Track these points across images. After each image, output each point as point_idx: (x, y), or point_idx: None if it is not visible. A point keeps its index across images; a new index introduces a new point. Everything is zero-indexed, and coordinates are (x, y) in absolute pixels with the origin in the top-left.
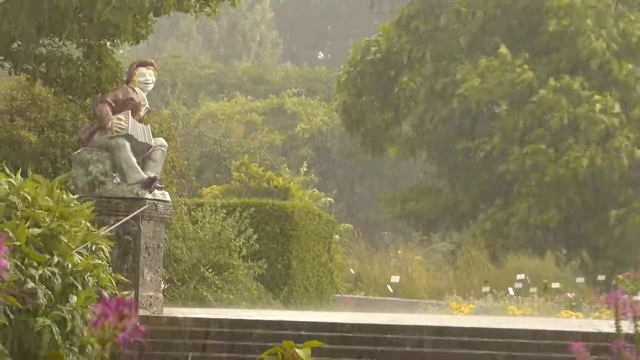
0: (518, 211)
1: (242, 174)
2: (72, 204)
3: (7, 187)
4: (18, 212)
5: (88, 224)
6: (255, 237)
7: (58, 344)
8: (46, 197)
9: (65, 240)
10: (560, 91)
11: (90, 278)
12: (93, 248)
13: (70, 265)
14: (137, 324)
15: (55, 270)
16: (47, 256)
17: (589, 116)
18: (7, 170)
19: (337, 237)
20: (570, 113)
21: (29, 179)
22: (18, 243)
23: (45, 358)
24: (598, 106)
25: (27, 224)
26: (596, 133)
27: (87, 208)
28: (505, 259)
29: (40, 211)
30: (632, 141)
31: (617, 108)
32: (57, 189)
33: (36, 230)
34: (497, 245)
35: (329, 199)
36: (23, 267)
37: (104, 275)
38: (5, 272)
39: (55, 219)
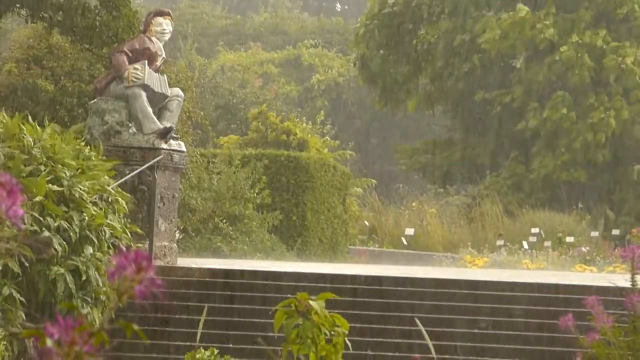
0: (540, 167)
1: (260, 124)
2: (92, 158)
3: (30, 139)
4: (41, 166)
5: (106, 177)
6: (267, 190)
7: (72, 293)
8: (70, 151)
9: (83, 194)
10: (582, 47)
11: (106, 229)
12: (109, 199)
13: (86, 218)
14: (154, 276)
15: (72, 222)
16: (64, 208)
17: (621, 68)
18: (30, 120)
19: (359, 190)
20: (592, 69)
21: (52, 130)
22: (38, 198)
23: (61, 307)
24: (631, 58)
25: (48, 178)
26: (627, 85)
27: (108, 162)
28: (520, 213)
29: (60, 166)
30: None
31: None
32: (81, 143)
33: (55, 187)
34: (515, 200)
35: (349, 151)
36: (41, 219)
37: (119, 227)
38: (21, 222)
39: (75, 176)
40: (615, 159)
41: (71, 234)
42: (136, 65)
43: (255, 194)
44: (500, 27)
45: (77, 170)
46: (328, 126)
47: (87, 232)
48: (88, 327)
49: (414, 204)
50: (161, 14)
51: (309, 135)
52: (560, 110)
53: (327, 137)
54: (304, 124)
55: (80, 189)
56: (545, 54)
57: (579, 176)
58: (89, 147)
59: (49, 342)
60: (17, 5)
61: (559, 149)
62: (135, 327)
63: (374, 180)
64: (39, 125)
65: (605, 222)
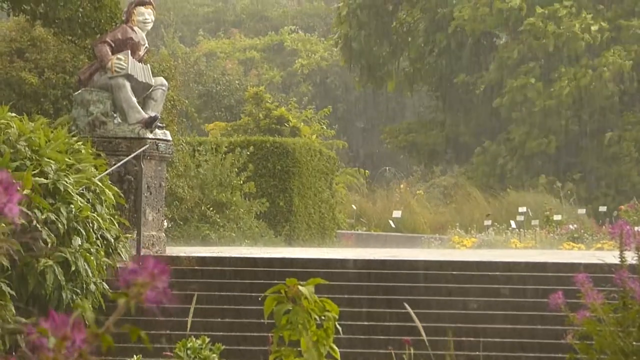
0: (514, 138)
1: (253, 107)
2: (82, 151)
3: (16, 131)
4: (26, 160)
5: (93, 168)
6: (252, 183)
7: (62, 284)
8: (60, 145)
9: (69, 187)
10: (549, 18)
11: (93, 221)
12: (97, 191)
13: (74, 210)
14: (167, 284)
15: (60, 213)
16: (51, 201)
17: (568, 36)
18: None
19: (354, 179)
20: (556, 37)
21: (40, 124)
22: (26, 191)
23: (50, 299)
24: (577, 25)
25: (35, 171)
26: (576, 52)
27: (99, 160)
28: (506, 193)
29: (48, 160)
30: (623, 56)
31: (595, 26)
32: (72, 137)
33: (42, 180)
34: (494, 177)
35: (342, 142)
36: (28, 212)
37: (107, 218)
38: (17, 219)
39: (61, 170)
40: (583, 129)
41: (59, 225)
42: (119, 56)
43: (241, 182)
44: (470, 5)
45: (65, 164)
46: (316, 112)
47: (75, 223)
48: (93, 329)
49: (401, 186)
50: (143, 3)
51: (302, 124)
52: (528, 79)
53: (323, 127)
54: (297, 112)
55: (66, 182)
56: (518, 27)
57: (551, 146)
58: (77, 140)
59: (51, 340)
60: None
61: (525, 117)
62: (142, 333)
63: (366, 171)
64: (23, 118)
65: (585, 193)
